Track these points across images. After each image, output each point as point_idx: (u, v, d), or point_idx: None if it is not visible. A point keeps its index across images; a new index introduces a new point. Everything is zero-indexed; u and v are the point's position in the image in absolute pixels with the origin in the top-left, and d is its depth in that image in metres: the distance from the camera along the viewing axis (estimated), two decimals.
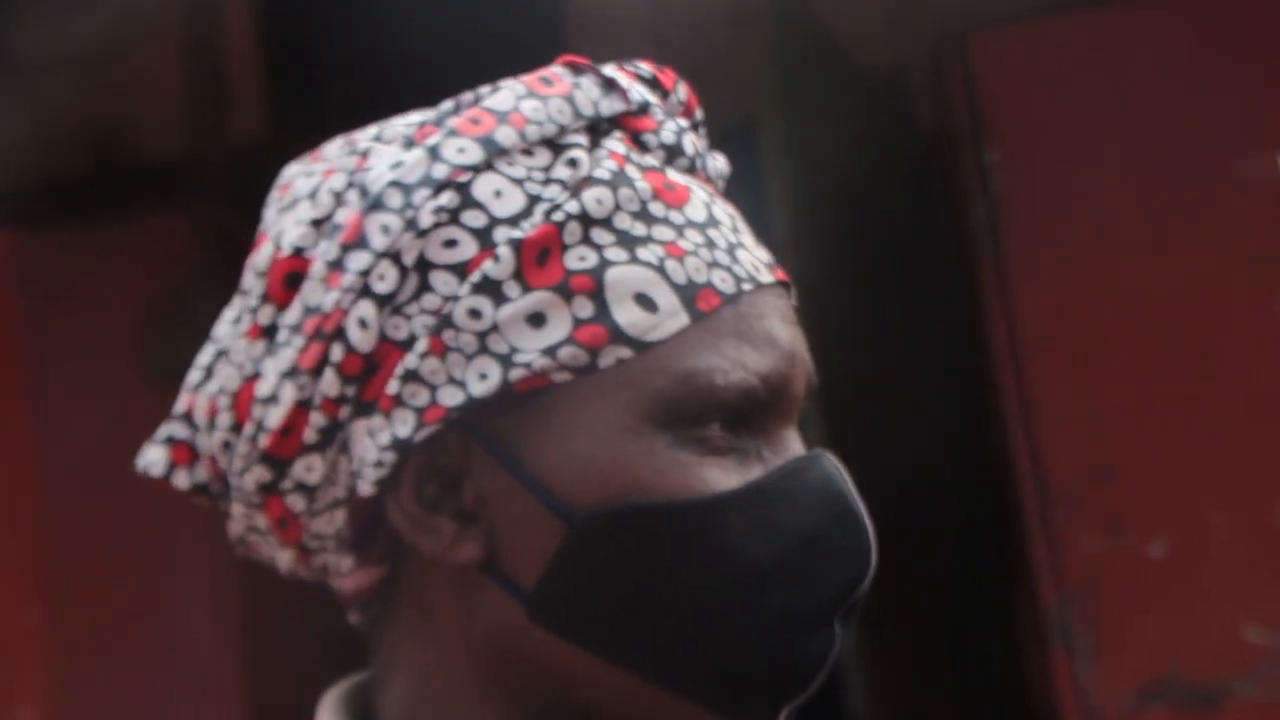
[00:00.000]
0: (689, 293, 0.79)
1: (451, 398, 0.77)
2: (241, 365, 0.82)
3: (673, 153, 0.84)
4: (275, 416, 0.80)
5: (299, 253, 0.81)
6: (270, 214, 0.85)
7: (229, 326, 0.85)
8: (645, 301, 0.78)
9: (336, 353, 0.78)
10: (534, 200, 0.79)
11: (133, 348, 2.67)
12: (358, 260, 0.78)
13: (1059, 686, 2.31)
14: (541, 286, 0.77)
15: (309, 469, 0.80)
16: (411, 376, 0.78)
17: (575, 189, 0.79)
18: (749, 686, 0.79)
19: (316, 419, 0.79)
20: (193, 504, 0.89)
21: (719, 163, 0.89)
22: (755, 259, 0.83)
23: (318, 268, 0.79)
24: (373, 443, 0.79)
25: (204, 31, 3.19)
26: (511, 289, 0.77)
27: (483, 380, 0.77)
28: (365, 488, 0.79)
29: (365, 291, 0.77)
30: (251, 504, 0.83)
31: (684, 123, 0.86)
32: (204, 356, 0.86)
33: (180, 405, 0.87)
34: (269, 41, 3.28)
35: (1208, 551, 2.31)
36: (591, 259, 0.78)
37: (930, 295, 2.82)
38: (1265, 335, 2.34)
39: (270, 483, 0.81)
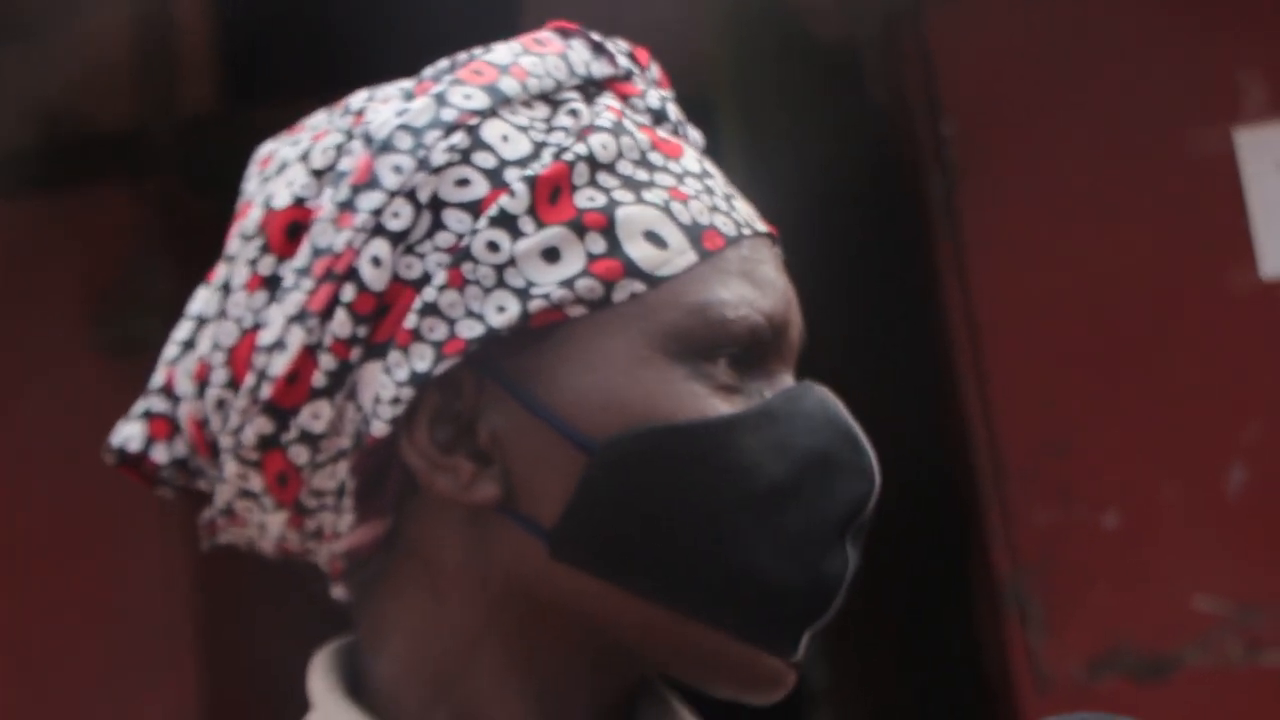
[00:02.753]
0: (695, 232, 0.81)
1: (470, 330, 0.78)
2: (240, 319, 0.81)
3: (658, 117, 0.86)
4: (280, 363, 0.79)
5: (300, 203, 0.81)
6: (252, 185, 0.85)
7: (212, 294, 0.84)
8: (655, 239, 0.80)
9: (348, 293, 0.78)
10: (540, 146, 0.81)
11: (81, 322, 2.65)
12: (370, 200, 0.78)
13: (1013, 656, 2.33)
14: (555, 222, 0.79)
15: (315, 416, 0.80)
16: (430, 310, 0.78)
17: (580, 135, 0.81)
18: (773, 610, 0.79)
19: (326, 361, 0.79)
20: (155, 493, 0.87)
21: (696, 135, 0.91)
22: (749, 210, 0.86)
23: (327, 210, 0.79)
24: (390, 379, 0.78)
25: (155, 2, 3.15)
26: (526, 224, 0.78)
27: (501, 313, 0.78)
28: (380, 427, 0.79)
29: (378, 230, 0.78)
30: (248, 461, 0.82)
31: (665, 93, 0.88)
32: (181, 332, 0.85)
33: (158, 379, 0.86)
34: (220, 13, 3.25)
35: (1159, 523, 2.33)
36: (600, 199, 0.80)
37: (886, 269, 2.83)
38: (1218, 310, 2.35)
39: (272, 435, 0.81)
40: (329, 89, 0.87)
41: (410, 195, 0.78)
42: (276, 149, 0.85)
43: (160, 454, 0.85)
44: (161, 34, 3.18)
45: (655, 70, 0.90)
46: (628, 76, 0.86)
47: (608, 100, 0.84)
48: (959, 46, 2.45)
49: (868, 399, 2.95)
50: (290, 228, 0.81)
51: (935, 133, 2.43)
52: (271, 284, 0.81)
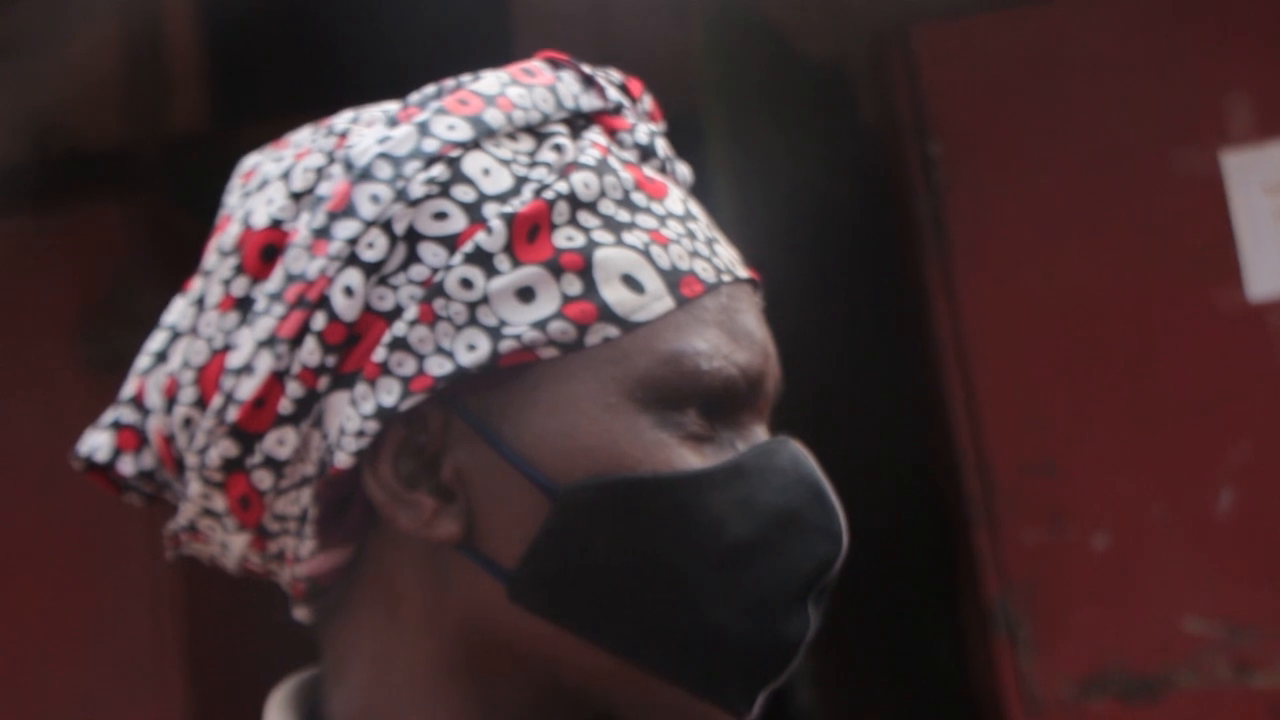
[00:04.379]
0: (673, 278, 0.80)
1: (439, 367, 0.77)
2: (210, 339, 0.81)
3: (646, 153, 0.85)
4: (248, 388, 0.79)
5: (277, 225, 0.80)
6: (233, 199, 0.84)
7: (187, 308, 0.84)
8: (632, 283, 0.79)
9: (319, 321, 0.77)
10: (521, 181, 0.80)
11: (69, 338, 2.64)
12: (345, 228, 0.78)
13: (1001, 677, 2.33)
14: (532, 261, 0.78)
15: (280, 442, 0.79)
16: (399, 344, 0.77)
17: (563, 172, 0.80)
18: (728, 668, 0.79)
19: (293, 389, 0.78)
20: (124, 502, 0.87)
21: (685, 171, 0.90)
22: (731, 255, 0.85)
23: (302, 236, 0.79)
24: (355, 411, 0.78)
25: (145, 20, 3.15)
26: (502, 262, 0.78)
27: (471, 351, 0.77)
28: (343, 459, 0.78)
29: (352, 259, 0.77)
30: (212, 482, 0.81)
31: (656, 127, 0.87)
32: (154, 343, 0.85)
33: (128, 389, 0.86)
34: (210, 31, 3.25)
35: (1148, 544, 2.33)
36: (579, 239, 0.79)
37: (874, 288, 2.83)
38: (1206, 329, 2.36)
39: (237, 458, 0.80)
40: (318, 107, 0.86)
41: (386, 226, 0.77)
42: (259, 163, 0.85)
43: (127, 465, 0.85)
44: (151, 52, 3.18)
45: (647, 102, 0.89)
46: (617, 110, 0.85)
47: (594, 136, 0.83)
48: (946, 66, 2.46)
49: (856, 419, 2.96)
50: (265, 249, 0.80)
51: (922, 152, 2.43)
52: (244, 306, 0.80)
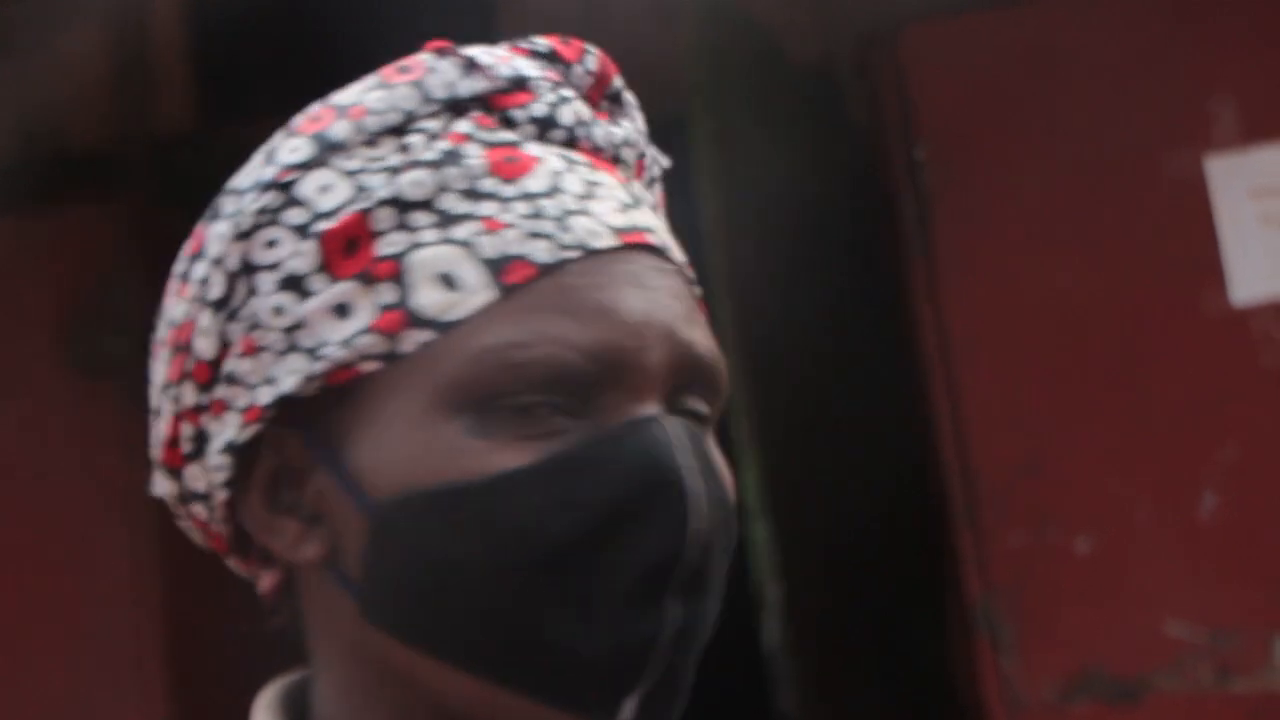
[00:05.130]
0: (496, 267, 0.75)
1: (265, 396, 0.77)
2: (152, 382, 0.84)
3: (544, 125, 0.80)
4: (160, 429, 0.81)
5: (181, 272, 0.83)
6: None
7: None
8: (447, 281, 0.75)
9: (189, 363, 0.79)
10: (360, 191, 0.77)
11: (54, 339, 2.64)
12: (198, 270, 0.79)
13: (984, 679, 2.33)
14: (346, 277, 0.76)
15: (194, 478, 0.81)
16: (232, 379, 0.78)
17: (395, 173, 0.77)
18: (575, 677, 0.75)
19: (185, 429, 0.80)
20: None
21: (620, 130, 0.84)
22: (598, 224, 0.77)
23: (173, 283, 0.81)
24: (212, 449, 0.79)
25: (130, 22, 3.15)
26: (316, 282, 0.76)
27: (290, 376, 0.76)
28: (219, 494, 0.80)
29: (203, 300, 0.78)
30: (178, 515, 0.84)
31: (568, 93, 0.82)
32: None
33: None
34: (196, 33, 3.25)
35: (1131, 547, 2.33)
36: (401, 243, 0.76)
37: (860, 291, 2.83)
38: (1190, 333, 2.36)
39: (178, 494, 0.83)
40: (304, 106, 0.86)
41: (221, 263, 0.78)
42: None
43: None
44: (137, 53, 3.17)
45: (591, 61, 0.84)
46: (518, 85, 0.80)
47: (459, 125, 0.78)
48: (933, 70, 2.46)
49: (841, 421, 2.96)
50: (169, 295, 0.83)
51: (909, 155, 2.44)
52: (157, 350, 0.83)
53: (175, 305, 0.80)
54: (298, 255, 0.76)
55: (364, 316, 0.75)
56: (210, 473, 0.80)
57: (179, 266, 0.80)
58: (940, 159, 2.43)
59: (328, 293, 0.76)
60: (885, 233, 2.63)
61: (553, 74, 0.82)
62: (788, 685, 2.63)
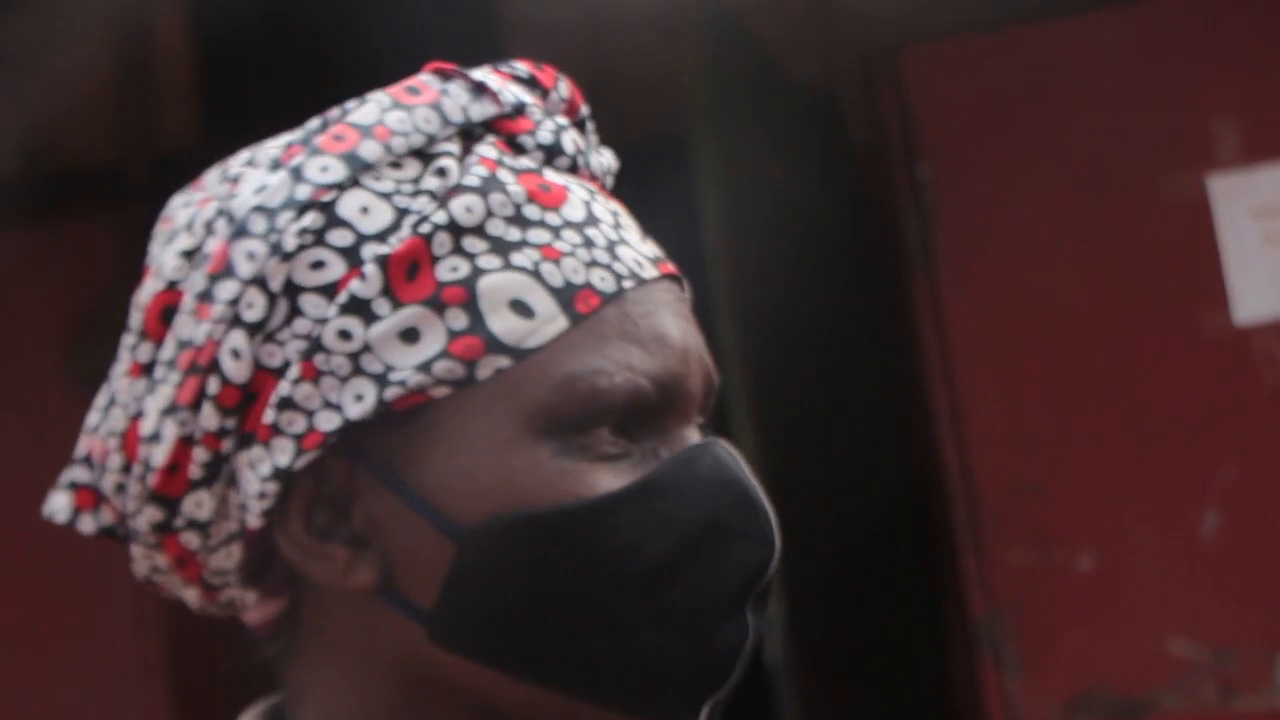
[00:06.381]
0: (567, 295, 0.77)
1: (328, 422, 0.76)
2: (126, 405, 0.81)
3: (551, 152, 0.82)
4: (160, 455, 0.78)
5: (172, 286, 0.79)
6: (155, 247, 0.84)
7: (118, 365, 0.83)
8: (521, 308, 0.76)
9: (213, 385, 0.77)
10: (403, 213, 0.77)
11: (58, 355, 2.64)
12: (226, 290, 0.77)
13: (987, 698, 2.33)
14: (413, 301, 0.76)
15: (199, 505, 0.79)
16: (287, 404, 0.76)
17: (444, 199, 0.77)
18: (663, 686, 0.77)
19: (200, 454, 0.78)
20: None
21: (605, 159, 0.87)
22: (638, 254, 0.81)
23: (188, 300, 0.78)
24: (254, 474, 0.77)
25: (134, 35, 3.16)
26: (382, 306, 0.76)
27: (359, 402, 0.76)
28: (253, 521, 0.78)
29: (235, 321, 0.76)
30: (149, 544, 0.82)
31: (563, 121, 0.84)
32: (101, 398, 0.84)
33: (81, 448, 0.85)
34: (200, 46, 3.26)
35: (1134, 566, 2.33)
36: (464, 269, 0.77)
37: (862, 309, 2.83)
38: (1192, 352, 2.36)
39: (163, 522, 0.80)
40: (308, 120, 0.86)
41: (262, 284, 0.76)
42: (176, 209, 0.84)
43: (87, 524, 0.84)
44: (142, 67, 3.18)
45: (564, 88, 0.85)
46: (519, 111, 0.81)
47: (484, 150, 0.79)
48: (935, 88, 2.47)
49: (843, 438, 2.95)
50: (164, 312, 0.79)
51: (911, 174, 2.44)
52: (148, 371, 0.80)
53: (193, 325, 0.77)
54: (358, 279, 0.76)
55: (436, 342, 0.76)
56: (242, 499, 0.78)
57: (194, 285, 0.78)
58: (942, 178, 2.44)
59: (395, 317, 0.76)
60: (887, 251, 2.63)
61: (536, 99, 0.83)
62: (790, 704, 2.63)
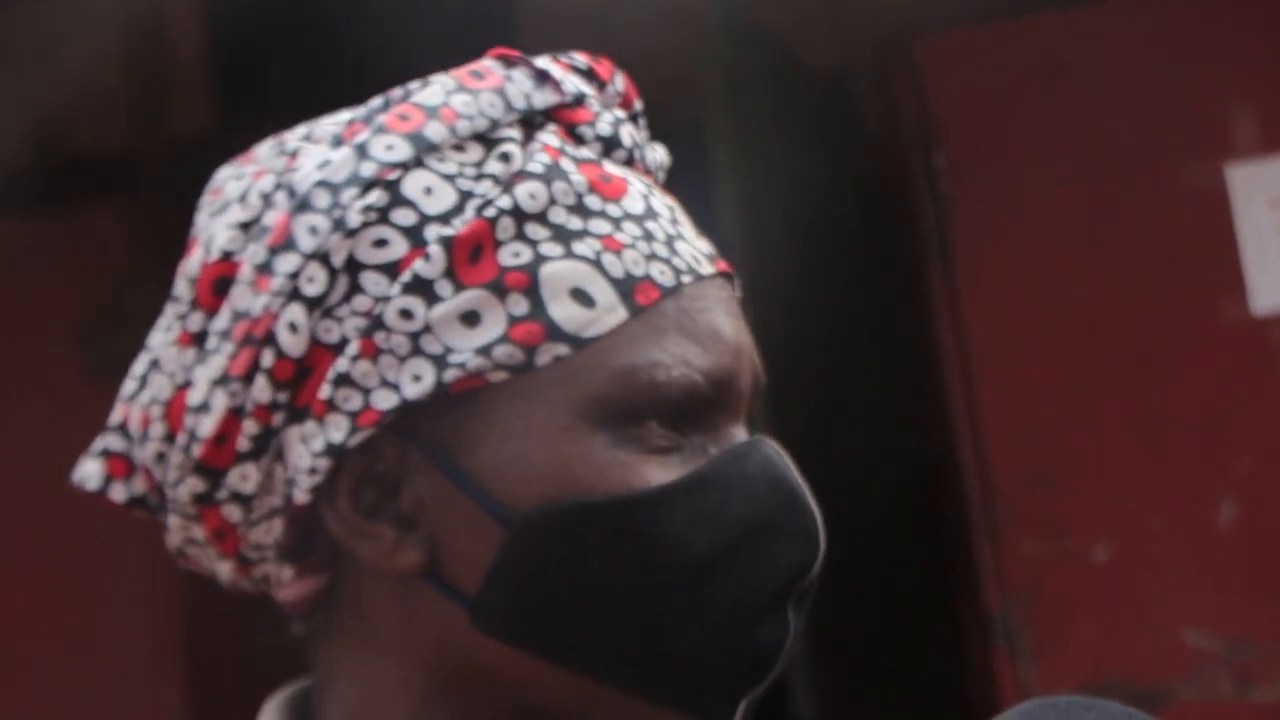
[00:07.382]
0: (627, 286, 0.77)
1: (385, 401, 0.76)
2: (173, 374, 0.80)
3: (610, 144, 0.82)
4: (208, 425, 0.78)
5: (227, 257, 0.79)
6: (202, 218, 0.83)
7: (161, 334, 0.83)
8: (582, 297, 0.77)
9: (267, 358, 0.76)
10: (466, 196, 0.77)
11: (72, 345, 2.64)
12: (286, 263, 0.76)
13: (1001, 689, 2.32)
14: (475, 284, 0.76)
15: (244, 478, 0.79)
16: (344, 380, 0.76)
17: (508, 184, 0.78)
18: (705, 680, 0.78)
19: (249, 427, 0.77)
20: (134, 515, 0.87)
21: (658, 154, 0.87)
22: (695, 250, 0.81)
23: (246, 271, 0.78)
24: (306, 449, 0.77)
25: (147, 22, 3.15)
26: (444, 288, 0.76)
27: (416, 382, 0.76)
28: (301, 495, 0.78)
29: (294, 294, 0.76)
30: (187, 515, 0.81)
31: (621, 114, 0.84)
32: (138, 366, 0.84)
33: (115, 416, 0.85)
34: (213, 32, 3.25)
35: (1149, 556, 2.33)
36: (526, 255, 0.77)
37: (878, 299, 2.83)
38: (1208, 342, 2.35)
39: (205, 493, 0.80)
40: (322, 108, 0.86)
41: (325, 259, 0.76)
42: (225, 181, 0.83)
43: (119, 493, 0.84)
44: (155, 54, 3.18)
45: (620, 82, 0.86)
46: (579, 101, 0.82)
47: (547, 137, 0.80)
48: (951, 77, 2.46)
49: (858, 428, 2.95)
50: (218, 283, 0.79)
51: (927, 163, 2.43)
52: (199, 341, 0.80)
53: (251, 296, 0.77)
54: (422, 259, 0.76)
55: (496, 326, 0.76)
56: (289, 474, 0.78)
57: (253, 256, 0.77)
58: (958, 167, 2.43)
59: (457, 299, 0.76)
60: (903, 241, 2.62)
61: (594, 91, 0.84)
62: (804, 694, 2.63)
